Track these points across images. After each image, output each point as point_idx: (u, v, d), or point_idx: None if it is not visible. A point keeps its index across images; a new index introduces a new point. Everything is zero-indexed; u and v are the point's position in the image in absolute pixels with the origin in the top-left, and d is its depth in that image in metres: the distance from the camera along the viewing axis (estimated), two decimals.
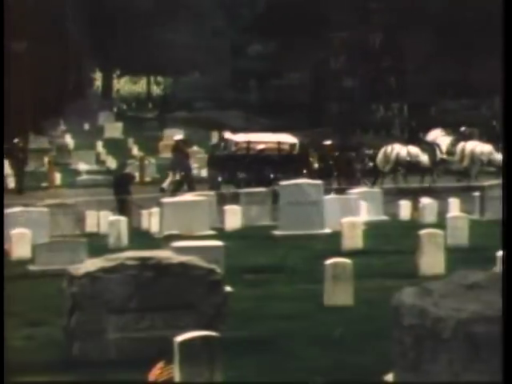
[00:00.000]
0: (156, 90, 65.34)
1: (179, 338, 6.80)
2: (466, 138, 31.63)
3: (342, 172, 28.59)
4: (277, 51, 37.82)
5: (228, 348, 7.37)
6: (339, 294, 11.30)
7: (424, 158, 29.70)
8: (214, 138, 41.30)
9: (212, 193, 22.50)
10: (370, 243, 16.36)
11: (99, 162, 38.14)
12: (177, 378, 6.74)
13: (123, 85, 66.42)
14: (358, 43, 52.36)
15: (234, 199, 22.35)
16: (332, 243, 16.42)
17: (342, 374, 7.84)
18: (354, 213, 18.69)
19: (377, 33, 52.50)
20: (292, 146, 28.48)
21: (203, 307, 8.60)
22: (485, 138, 31.96)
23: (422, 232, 13.94)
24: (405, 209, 22.40)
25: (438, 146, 30.58)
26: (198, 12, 36.47)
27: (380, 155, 29.54)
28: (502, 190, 9.64)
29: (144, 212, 20.83)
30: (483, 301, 2.75)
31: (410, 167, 29.79)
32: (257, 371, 8.08)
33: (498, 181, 25.96)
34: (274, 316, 10.84)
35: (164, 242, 14.05)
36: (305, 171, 27.04)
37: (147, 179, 33.27)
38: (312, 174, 27.05)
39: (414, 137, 32.36)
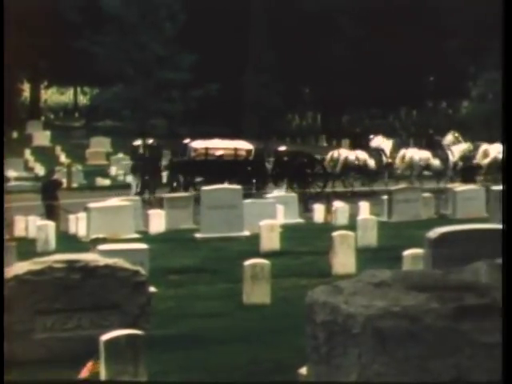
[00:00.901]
0: (83, 100, 64.78)
1: (105, 337, 6.76)
2: (406, 144, 32.73)
3: (294, 176, 28.82)
4: (198, 62, 37.83)
5: (153, 345, 7.34)
6: (257, 293, 11.34)
7: (371, 163, 30.42)
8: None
9: (137, 197, 22.38)
10: (286, 245, 16.45)
11: (28, 168, 37.68)
12: (102, 375, 6.69)
13: (51, 95, 65.72)
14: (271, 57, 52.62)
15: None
16: (251, 245, 16.47)
17: (259, 368, 7.87)
18: (271, 216, 18.79)
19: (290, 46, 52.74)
20: (248, 151, 28.69)
21: (128, 307, 8.54)
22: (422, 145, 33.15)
23: (335, 234, 14.07)
24: (319, 212, 22.61)
25: (383, 151, 31.43)
26: (123, 25, 36.26)
27: (327, 160, 30.08)
28: (502, 191, 9.65)
29: (71, 217, 20.62)
30: (390, 298, 2.79)
31: (359, 171, 30.44)
32: (180, 367, 8.06)
33: (404, 185, 26.50)
34: (196, 314, 10.83)
35: (91, 245, 13.90)
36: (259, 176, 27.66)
37: (74, 185, 33.07)
38: (267, 179, 27.58)
39: (358, 142, 32.84)
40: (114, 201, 20.25)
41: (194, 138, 32.14)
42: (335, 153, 30.55)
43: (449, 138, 32.68)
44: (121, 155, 41.74)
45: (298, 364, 5.92)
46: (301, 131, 58.44)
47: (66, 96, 67.22)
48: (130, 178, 31.15)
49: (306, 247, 16.67)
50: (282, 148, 31.08)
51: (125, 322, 8.13)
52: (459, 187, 24.22)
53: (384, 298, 2.79)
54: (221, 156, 27.97)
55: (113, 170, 38.48)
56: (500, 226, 11.72)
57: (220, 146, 28.88)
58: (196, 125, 41.05)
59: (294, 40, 52.26)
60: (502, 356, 2.76)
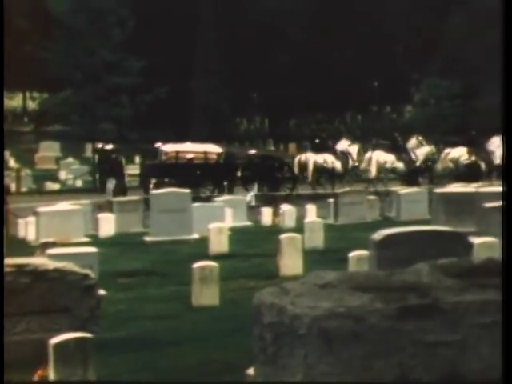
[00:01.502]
0: (32, 105, 64.12)
1: (54, 340, 6.70)
2: (375, 147, 33.40)
3: (264, 179, 28.94)
4: (147, 68, 37.70)
5: (102, 348, 7.28)
6: (206, 295, 11.32)
7: (338, 165, 30.93)
8: (88, 150, 40.84)
9: (87, 201, 22.22)
10: (234, 247, 16.46)
11: None
12: (52, 377, 6.63)
13: None
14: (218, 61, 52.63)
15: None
16: (200, 247, 16.44)
17: (208, 369, 7.86)
18: (220, 219, 18.78)
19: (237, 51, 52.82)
20: (218, 154, 29.00)
21: (78, 310, 8.47)
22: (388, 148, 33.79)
23: (282, 236, 14.10)
24: (267, 215, 22.64)
25: (349, 154, 32.00)
26: (71, 31, 35.98)
27: (295, 163, 30.53)
28: (503, 193, 9.67)
29: (20, 221, 20.39)
30: (335, 299, 2.80)
31: (326, 174, 30.87)
32: (129, 369, 8.02)
33: (349, 188, 26.66)
34: (145, 317, 10.78)
35: (39, 249, 13.75)
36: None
37: (23, 190, 32.71)
38: (237, 181, 27.81)
39: (324, 146, 33.23)
40: (64, 205, 20.07)
41: (142, 141, 32.19)
42: (302, 156, 31.07)
43: (413, 141, 33.31)
44: (70, 159, 41.42)
45: (245, 364, 5.93)
46: (249, 135, 58.52)
47: (15, 101, 66.54)
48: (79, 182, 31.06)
49: (254, 249, 16.69)
50: (253, 151, 31.58)
51: (74, 326, 8.07)
52: (403, 190, 24.44)
53: (329, 298, 2.80)
54: (191, 159, 28.17)
55: (62, 175, 38.17)
56: (441, 228, 11.86)
57: (190, 149, 29.12)
58: (145, 129, 40.89)
59: (242, 46, 52.34)
60: (502, 355, 2.78)
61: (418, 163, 32.21)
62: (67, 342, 6.66)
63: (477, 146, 32.47)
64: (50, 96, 51.30)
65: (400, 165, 31.66)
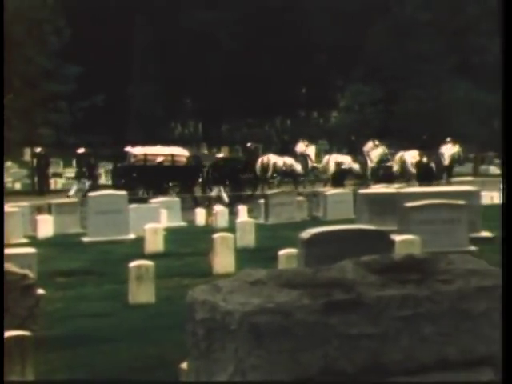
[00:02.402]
0: None
1: None
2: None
3: (229, 180, 29.11)
4: (84, 74, 37.38)
5: (40, 345, 7.19)
6: (142, 293, 11.25)
7: (298, 167, 31.18)
8: (27, 154, 40.29)
9: (26, 203, 21.92)
10: (169, 247, 16.39)
11: None
12: None
13: None
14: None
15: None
16: (136, 247, 16.33)
17: (143, 364, 7.81)
18: (155, 220, 18.69)
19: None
20: (185, 157, 29.37)
21: (16, 309, 8.34)
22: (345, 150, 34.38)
23: (215, 235, 14.09)
24: (200, 216, 22.61)
25: (308, 156, 32.31)
26: (10, 40, 35.45)
27: (258, 165, 30.62)
28: (503, 192, 9.69)
29: None
30: (265, 295, 2.81)
31: (286, 175, 31.05)
32: (67, 366, 7.92)
33: (279, 189, 26.77)
34: (83, 315, 10.66)
35: None
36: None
37: None
38: (205, 183, 27.97)
39: (286, 149, 33.49)
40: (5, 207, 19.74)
41: (80, 146, 32.01)
42: (265, 158, 31.26)
43: (369, 144, 33.87)
44: (9, 163, 40.77)
45: (179, 359, 5.91)
46: (183, 139, 58.31)
47: None
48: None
49: (188, 249, 16.64)
50: (220, 155, 31.99)
51: (13, 324, 7.93)
52: (329, 191, 24.64)
53: (259, 295, 2.81)
54: (161, 162, 28.32)
55: None
56: (365, 227, 11.98)
57: (158, 152, 29.32)
58: (83, 134, 40.51)
59: (176, 54, 52.20)
60: (502, 354, 2.80)
61: (371, 164, 32.96)
62: (6, 340, 6.55)
63: (428, 149, 33.35)
64: None
65: (356, 166, 32.30)
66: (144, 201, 23.96)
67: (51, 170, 36.54)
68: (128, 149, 29.88)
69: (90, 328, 9.80)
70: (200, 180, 28.79)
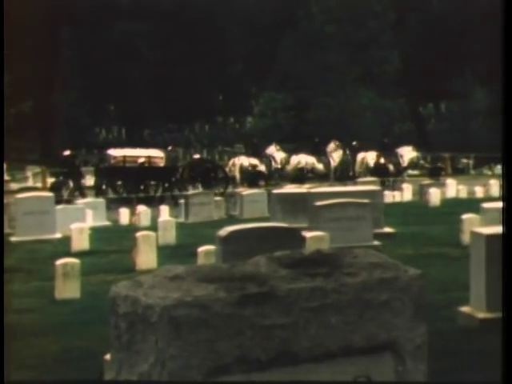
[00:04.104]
0: None
1: None
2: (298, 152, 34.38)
3: (201, 179, 29.21)
4: (12, 83, 36.68)
5: None
6: (68, 289, 11.10)
7: (262, 168, 31.60)
8: None
9: None
10: (95, 245, 16.21)
11: None
12: None
13: None
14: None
15: None
16: (62, 246, 16.10)
17: (69, 356, 7.70)
18: (81, 220, 18.46)
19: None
20: (161, 158, 29.40)
21: None
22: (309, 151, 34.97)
23: (138, 234, 14.00)
24: (124, 215, 22.40)
25: (273, 158, 32.93)
26: None
27: (229, 166, 31.04)
28: (503, 192, 9.64)
29: None
30: (183, 289, 2.79)
31: (251, 175, 31.08)
32: None
33: (198, 190, 26.71)
34: (11, 310, 10.43)
35: None
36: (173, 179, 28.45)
37: None
38: (179, 183, 28.24)
39: (255, 151, 34.25)
40: None
41: (8, 151, 31.51)
42: (236, 160, 31.69)
43: (331, 145, 34.40)
44: None
45: (104, 351, 5.84)
46: (107, 144, 57.66)
47: None
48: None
49: (112, 247, 16.48)
50: (196, 156, 32.16)
51: None
52: (245, 191, 24.71)
53: (178, 289, 2.79)
54: (142, 163, 28.36)
55: None
56: (278, 224, 12.05)
57: (136, 154, 29.51)
58: (12, 140, 39.70)
59: (100, 63, 51.62)
60: (502, 355, 2.78)
61: (334, 164, 33.76)
62: None
63: (387, 151, 34.29)
64: None
65: (320, 166, 33.02)
66: (69, 201, 23.73)
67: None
68: (110, 151, 30.10)
69: (19, 323, 9.60)
70: (175, 179, 28.99)
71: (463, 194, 28.79)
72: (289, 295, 2.72)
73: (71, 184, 29.16)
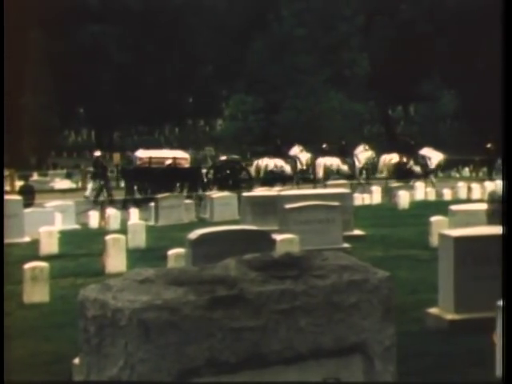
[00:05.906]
0: None
1: None
2: (326, 153, 34.44)
3: (230, 181, 29.08)
4: None
5: None
6: (37, 293, 10.99)
7: (287, 169, 31.54)
8: None
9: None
10: (64, 248, 16.07)
11: None
12: None
13: None
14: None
15: None
16: (31, 250, 15.94)
17: (38, 360, 7.63)
18: (50, 223, 18.30)
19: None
20: (186, 159, 29.43)
21: None
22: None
23: (108, 237, 13.91)
24: (94, 218, 22.25)
25: (298, 159, 32.96)
26: None
27: (253, 167, 31.13)
28: (503, 192, 9.59)
29: None
30: (153, 292, 2.78)
31: (276, 176, 31.33)
32: None
33: (170, 193, 26.64)
34: None
35: None
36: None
37: None
38: (204, 184, 28.28)
39: (278, 151, 33.99)
40: None
41: None
42: (260, 161, 31.73)
43: (360, 148, 34.73)
44: None
45: (73, 355, 5.80)
46: (77, 146, 57.40)
47: None
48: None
49: (82, 250, 16.35)
50: (223, 158, 32.29)
51: None
52: (215, 194, 24.65)
53: (148, 292, 2.78)
54: (169, 164, 28.40)
55: None
56: (249, 227, 12.05)
57: (161, 155, 29.62)
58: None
59: (69, 67, 51.29)
60: (502, 356, 2.77)
61: (359, 165, 33.99)
62: None
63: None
64: None
65: (344, 167, 33.17)
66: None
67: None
68: (137, 153, 30.09)
69: None
70: (202, 181, 29.05)
71: (431, 197, 29.01)
72: (258, 298, 2.73)
73: (98, 184, 29.37)
